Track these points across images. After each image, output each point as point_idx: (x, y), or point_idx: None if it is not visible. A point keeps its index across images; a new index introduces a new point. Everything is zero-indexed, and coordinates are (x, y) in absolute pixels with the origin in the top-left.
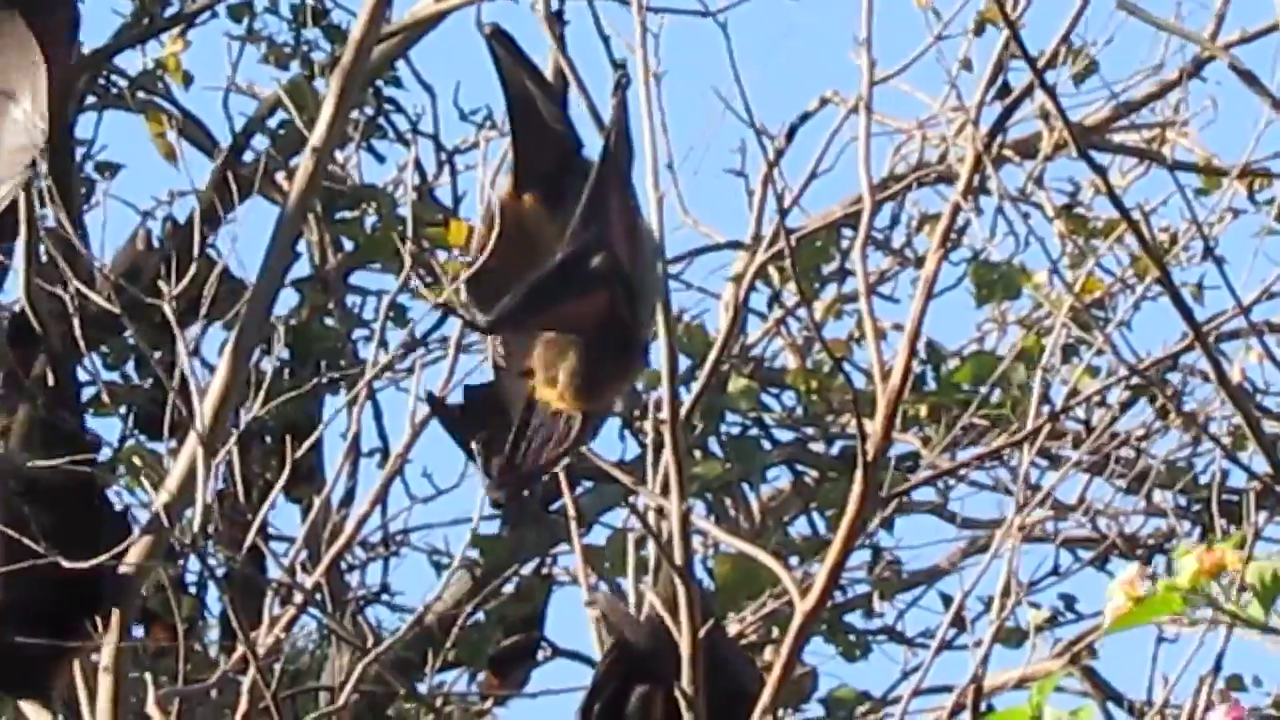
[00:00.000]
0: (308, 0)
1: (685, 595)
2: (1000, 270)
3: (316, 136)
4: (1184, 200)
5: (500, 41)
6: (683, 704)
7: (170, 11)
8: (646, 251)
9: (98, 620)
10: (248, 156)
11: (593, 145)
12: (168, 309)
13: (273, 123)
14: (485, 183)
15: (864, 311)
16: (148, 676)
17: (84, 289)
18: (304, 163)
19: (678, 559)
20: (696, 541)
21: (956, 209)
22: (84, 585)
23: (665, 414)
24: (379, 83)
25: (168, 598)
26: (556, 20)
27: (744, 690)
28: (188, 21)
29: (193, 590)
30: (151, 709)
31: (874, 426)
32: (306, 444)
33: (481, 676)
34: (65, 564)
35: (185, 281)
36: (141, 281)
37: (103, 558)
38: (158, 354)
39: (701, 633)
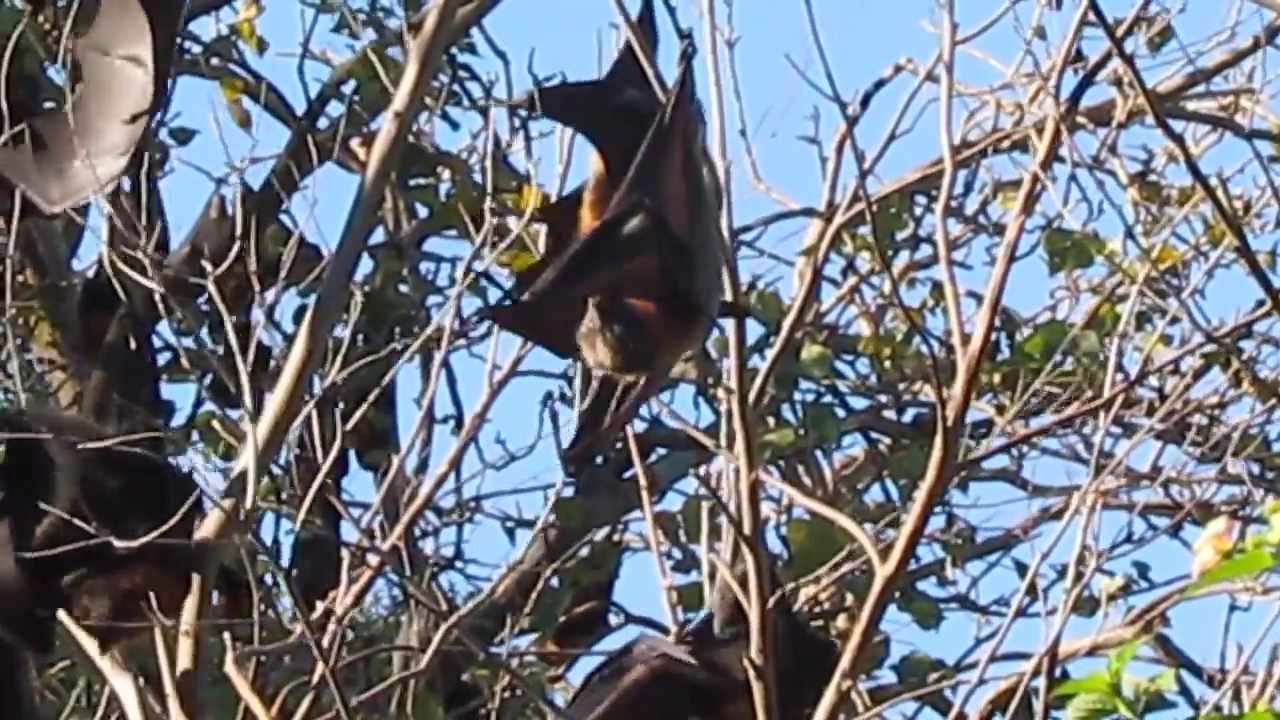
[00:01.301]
0: None
1: (754, 564)
2: (1074, 238)
3: (399, 101)
4: (1261, 167)
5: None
6: (752, 674)
7: None
8: (710, 218)
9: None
10: (322, 123)
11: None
12: (212, 292)
13: (347, 89)
14: (569, 147)
15: (944, 277)
16: (226, 637)
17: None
18: (386, 127)
19: (746, 528)
20: (769, 508)
21: (1035, 179)
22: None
23: (733, 381)
24: (454, 50)
25: (241, 563)
26: None
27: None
28: None
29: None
30: (230, 668)
31: (953, 392)
32: (368, 400)
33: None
34: (135, 536)
35: (242, 248)
36: (215, 249)
37: (168, 525)
38: (232, 319)
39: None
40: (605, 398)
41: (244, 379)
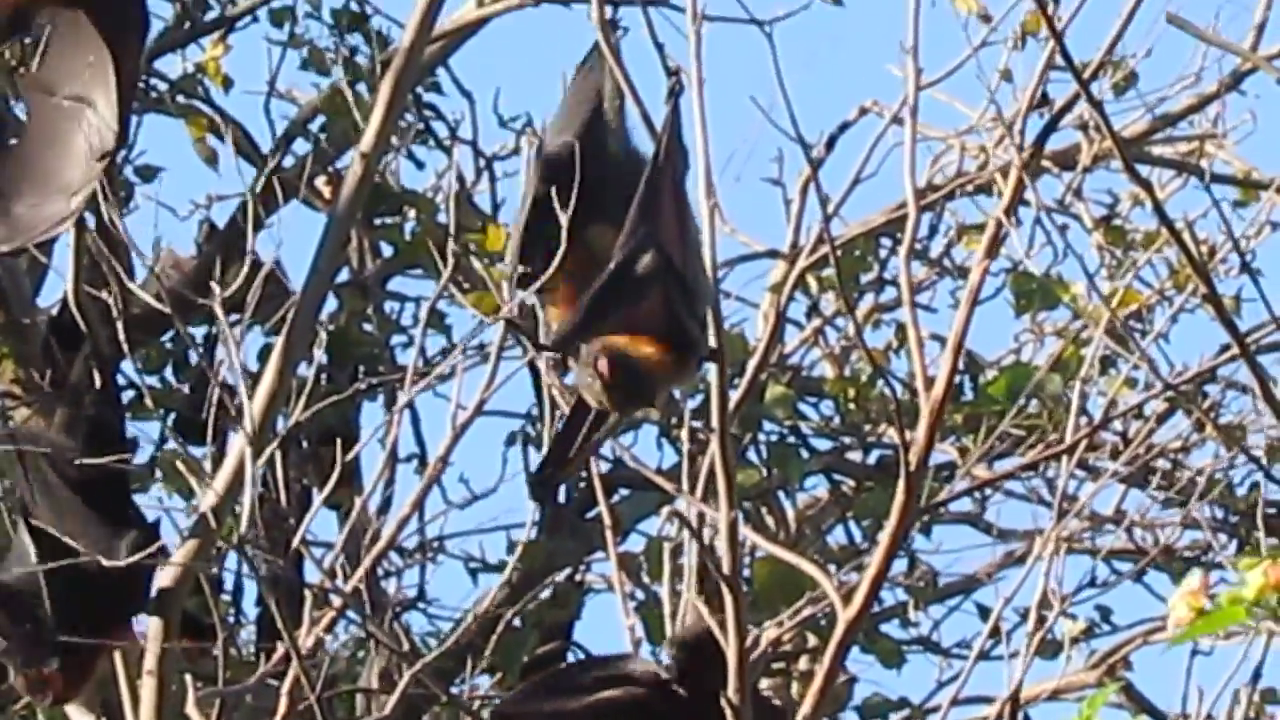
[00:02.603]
0: (350, 4)
1: (733, 604)
2: (1039, 281)
3: (366, 141)
4: (1220, 216)
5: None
6: (729, 714)
7: (211, 16)
8: (699, 258)
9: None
10: (288, 161)
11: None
12: (218, 309)
13: (313, 127)
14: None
15: (907, 320)
16: (188, 678)
17: (131, 287)
18: (353, 166)
19: (725, 568)
20: None
21: (1000, 226)
22: (116, 588)
23: (714, 421)
24: (419, 89)
25: (204, 600)
26: (612, 28)
27: None
28: (229, 25)
29: (228, 593)
30: (191, 710)
31: (916, 435)
32: (352, 453)
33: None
34: (104, 563)
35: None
36: (179, 287)
37: (137, 556)
38: (198, 356)
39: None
40: (576, 426)
41: (247, 406)
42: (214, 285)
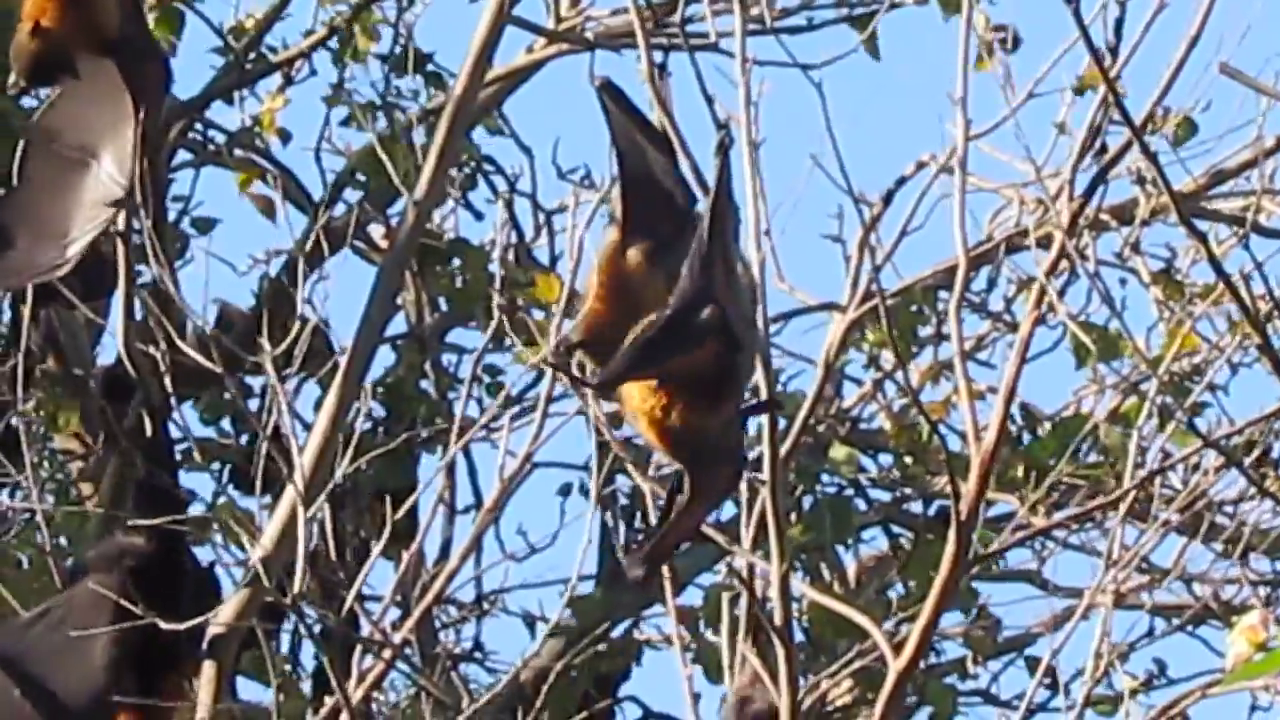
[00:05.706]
0: (408, 46)
1: (785, 656)
2: (1099, 332)
3: (419, 188)
4: (1260, 274)
5: (611, 95)
6: None
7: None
8: (747, 309)
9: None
10: (339, 211)
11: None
12: (268, 363)
13: (362, 176)
14: (582, 239)
15: (958, 372)
16: None
17: (180, 345)
18: (406, 214)
19: (777, 620)
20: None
21: (1043, 291)
22: (165, 643)
23: (765, 475)
24: (476, 141)
25: (259, 654)
26: (661, 73)
27: None
28: (283, 70)
29: (284, 645)
30: None
31: (968, 487)
32: (405, 507)
33: None
34: (162, 625)
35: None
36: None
37: (196, 621)
38: (243, 409)
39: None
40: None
41: (296, 460)
42: (263, 341)
